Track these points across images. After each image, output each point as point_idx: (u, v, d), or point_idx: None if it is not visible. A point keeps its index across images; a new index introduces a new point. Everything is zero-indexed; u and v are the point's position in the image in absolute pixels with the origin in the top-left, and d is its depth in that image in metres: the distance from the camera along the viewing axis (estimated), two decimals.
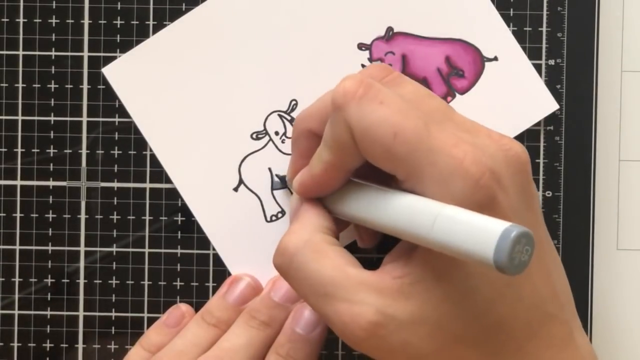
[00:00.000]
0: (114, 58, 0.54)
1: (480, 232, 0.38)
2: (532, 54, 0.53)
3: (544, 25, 0.53)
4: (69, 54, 0.54)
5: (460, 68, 0.53)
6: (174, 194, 0.54)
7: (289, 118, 0.53)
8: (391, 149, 0.42)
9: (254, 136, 0.54)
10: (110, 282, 0.54)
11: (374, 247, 0.51)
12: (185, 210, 0.54)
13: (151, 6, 0.54)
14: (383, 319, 0.42)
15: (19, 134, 0.55)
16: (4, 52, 0.55)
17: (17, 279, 0.55)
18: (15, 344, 0.55)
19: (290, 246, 0.45)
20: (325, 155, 0.45)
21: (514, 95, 0.53)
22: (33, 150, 0.55)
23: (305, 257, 0.44)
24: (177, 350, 0.51)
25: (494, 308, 0.42)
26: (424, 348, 0.42)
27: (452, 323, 0.42)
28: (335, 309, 0.43)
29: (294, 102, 0.53)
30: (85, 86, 0.55)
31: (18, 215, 0.55)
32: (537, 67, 0.53)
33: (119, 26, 0.54)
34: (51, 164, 0.55)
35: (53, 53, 0.54)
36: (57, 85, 0.54)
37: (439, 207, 0.40)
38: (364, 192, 0.45)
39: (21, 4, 0.54)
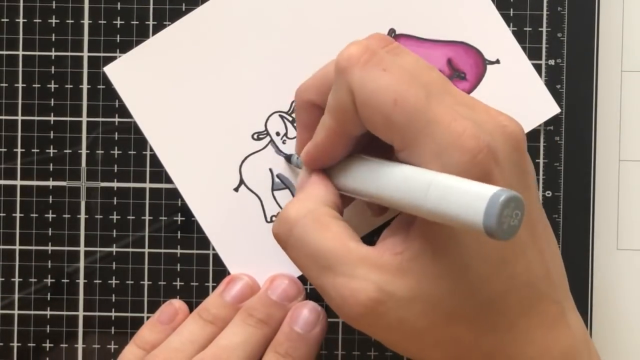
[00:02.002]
0: (114, 58, 0.54)
1: (470, 197, 0.38)
2: (532, 54, 0.53)
3: (544, 25, 0.53)
4: (69, 54, 0.54)
5: (461, 70, 0.53)
6: (173, 194, 0.54)
7: (290, 119, 0.53)
8: (390, 117, 0.42)
9: (255, 136, 0.54)
10: (110, 282, 0.54)
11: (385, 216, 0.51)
12: (185, 210, 0.54)
13: (151, 6, 0.54)
14: (382, 296, 0.42)
15: (19, 134, 0.55)
16: (4, 52, 0.54)
17: (17, 279, 0.55)
18: (15, 344, 0.55)
19: (292, 214, 0.44)
20: (327, 121, 0.45)
21: (515, 98, 0.53)
22: (33, 150, 0.55)
23: (307, 227, 0.44)
24: (172, 347, 0.51)
25: (488, 285, 0.42)
26: (419, 324, 0.42)
27: (447, 299, 0.42)
28: (334, 282, 0.43)
29: (295, 103, 0.53)
30: (85, 86, 0.55)
31: (18, 215, 0.55)
32: (537, 67, 0.53)
33: (118, 26, 0.54)
34: (51, 164, 0.55)
35: (53, 53, 0.54)
36: (57, 85, 0.54)
37: (432, 175, 0.40)
38: (363, 165, 0.45)
39: (21, 4, 0.54)
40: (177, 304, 0.54)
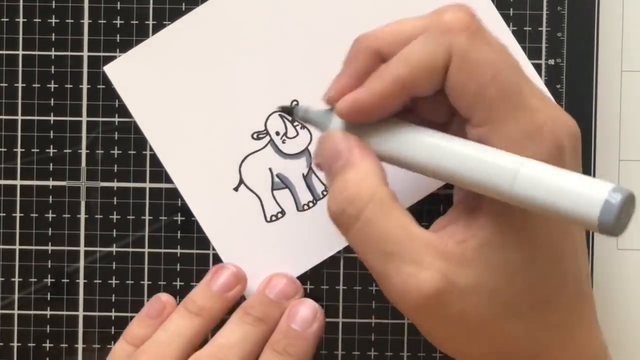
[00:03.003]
0: (114, 58, 0.54)
1: (583, 191, 0.38)
2: (532, 54, 0.53)
3: (544, 25, 0.53)
4: (69, 53, 0.54)
5: None
6: (173, 193, 0.54)
7: (289, 118, 0.53)
8: (484, 89, 0.42)
9: (255, 136, 0.54)
10: (110, 282, 0.54)
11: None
12: (185, 210, 0.54)
13: (151, 6, 0.54)
14: (448, 286, 0.41)
15: (19, 133, 0.55)
16: (4, 52, 0.54)
17: (16, 279, 0.55)
18: (15, 344, 0.55)
19: (358, 199, 0.42)
20: (399, 70, 0.43)
21: None
22: (33, 150, 0.55)
23: (374, 213, 0.42)
24: (159, 341, 0.51)
25: (546, 281, 0.43)
26: (478, 317, 0.42)
27: (505, 294, 0.42)
28: (399, 269, 0.41)
29: (295, 102, 0.53)
30: (85, 86, 0.55)
31: (18, 215, 0.55)
32: (537, 67, 0.53)
33: (118, 26, 0.54)
34: (51, 164, 0.55)
35: (53, 53, 0.54)
36: (56, 85, 0.54)
37: (522, 160, 0.40)
38: (427, 136, 0.43)
39: (21, 4, 0.54)
40: (164, 297, 0.53)
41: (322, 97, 0.45)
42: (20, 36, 0.55)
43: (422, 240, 0.42)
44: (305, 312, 0.51)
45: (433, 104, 0.44)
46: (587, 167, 0.53)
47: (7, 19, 0.54)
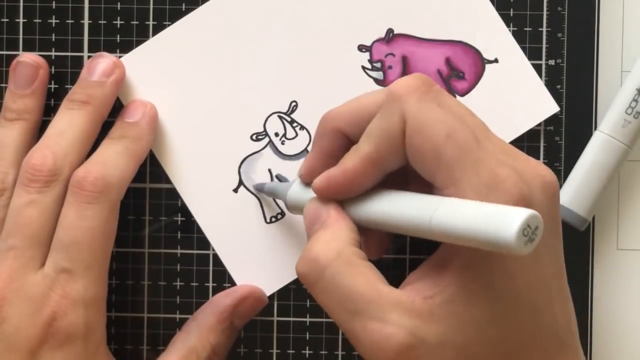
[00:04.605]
0: None
1: (491, 216, 0.39)
2: (532, 54, 0.53)
3: (544, 25, 0.53)
4: (69, 54, 0.54)
5: (460, 70, 0.53)
6: (174, 194, 0.54)
7: (288, 119, 0.53)
8: (440, 150, 0.42)
9: (254, 137, 0.54)
10: (110, 282, 0.54)
11: (378, 258, 0.51)
12: (185, 211, 0.54)
13: (151, 6, 0.54)
14: (414, 341, 0.41)
15: None
16: (4, 53, 0.54)
17: None
18: None
19: (323, 257, 0.44)
20: (365, 148, 0.44)
21: (514, 97, 0.53)
22: None
23: (338, 271, 0.43)
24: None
25: (517, 333, 0.43)
26: None
27: (475, 347, 0.42)
28: (365, 326, 0.42)
29: (294, 104, 0.53)
30: None
31: None
32: (537, 68, 0.53)
33: (118, 26, 0.54)
34: None
35: (53, 53, 0.54)
36: (57, 85, 0.54)
37: (442, 199, 0.42)
38: (389, 195, 0.45)
39: (21, 4, 0.54)
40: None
41: (320, 100, 0.46)
42: (20, 36, 0.55)
43: (389, 297, 0.42)
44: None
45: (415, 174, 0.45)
46: None
47: (7, 20, 0.54)
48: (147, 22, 0.54)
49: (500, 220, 0.38)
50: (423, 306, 0.42)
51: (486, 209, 0.40)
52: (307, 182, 0.48)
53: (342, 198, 0.46)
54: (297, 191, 0.49)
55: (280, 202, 0.53)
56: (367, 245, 0.49)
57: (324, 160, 0.47)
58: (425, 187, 0.44)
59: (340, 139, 0.47)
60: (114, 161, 0.51)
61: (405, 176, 0.46)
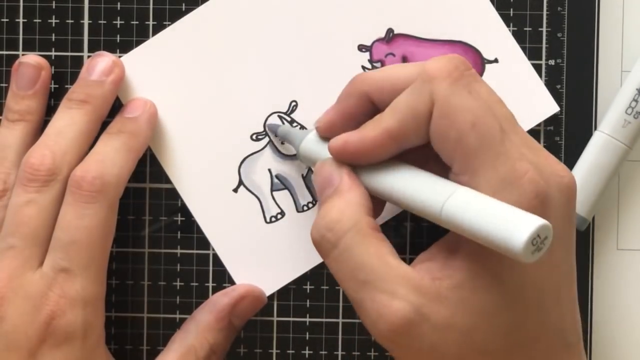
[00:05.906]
0: None
1: (504, 219, 0.40)
2: (532, 54, 0.53)
3: (544, 25, 0.53)
4: (69, 54, 0.54)
5: None
6: (174, 194, 0.54)
7: (288, 119, 0.53)
8: (464, 137, 0.42)
9: (254, 137, 0.54)
10: (110, 282, 0.54)
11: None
12: (185, 211, 0.54)
13: (151, 6, 0.54)
14: (419, 318, 0.42)
15: None
16: (4, 53, 0.54)
17: None
18: None
19: (337, 227, 0.44)
20: (389, 121, 0.45)
21: (514, 97, 0.52)
22: None
23: (353, 241, 0.43)
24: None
25: (522, 328, 0.43)
26: (449, 354, 0.42)
27: (480, 335, 0.42)
28: (374, 297, 0.42)
29: (294, 103, 0.53)
30: None
31: None
32: (537, 67, 0.53)
33: (118, 26, 0.54)
34: None
35: (53, 53, 0.54)
36: (57, 85, 0.54)
37: (456, 187, 0.42)
38: (402, 171, 0.45)
39: (21, 4, 0.54)
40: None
41: (320, 99, 0.47)
42: (20, 36, 0.55)
43: (398, 271, 0.43)
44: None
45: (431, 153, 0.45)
46: None
47: (7, 20, 0.54)
48: (147, 22, 0.54)
49: (512, 226, 0.39)
50: (431, 286, 0.42)
51: (499, 209, 0.40)
52: (323, 135, 0.49)
53: (356, 164, 0.46)
54: (311, 143, 0.49)
55: (280, 201, 0.53)
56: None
57: (345, 119, 0.48)
58: (443, 166, 0.44)
59: (366, 103, 0.47)
60: (112, 159, 0.51)
61: (424, 152, 0.46)
